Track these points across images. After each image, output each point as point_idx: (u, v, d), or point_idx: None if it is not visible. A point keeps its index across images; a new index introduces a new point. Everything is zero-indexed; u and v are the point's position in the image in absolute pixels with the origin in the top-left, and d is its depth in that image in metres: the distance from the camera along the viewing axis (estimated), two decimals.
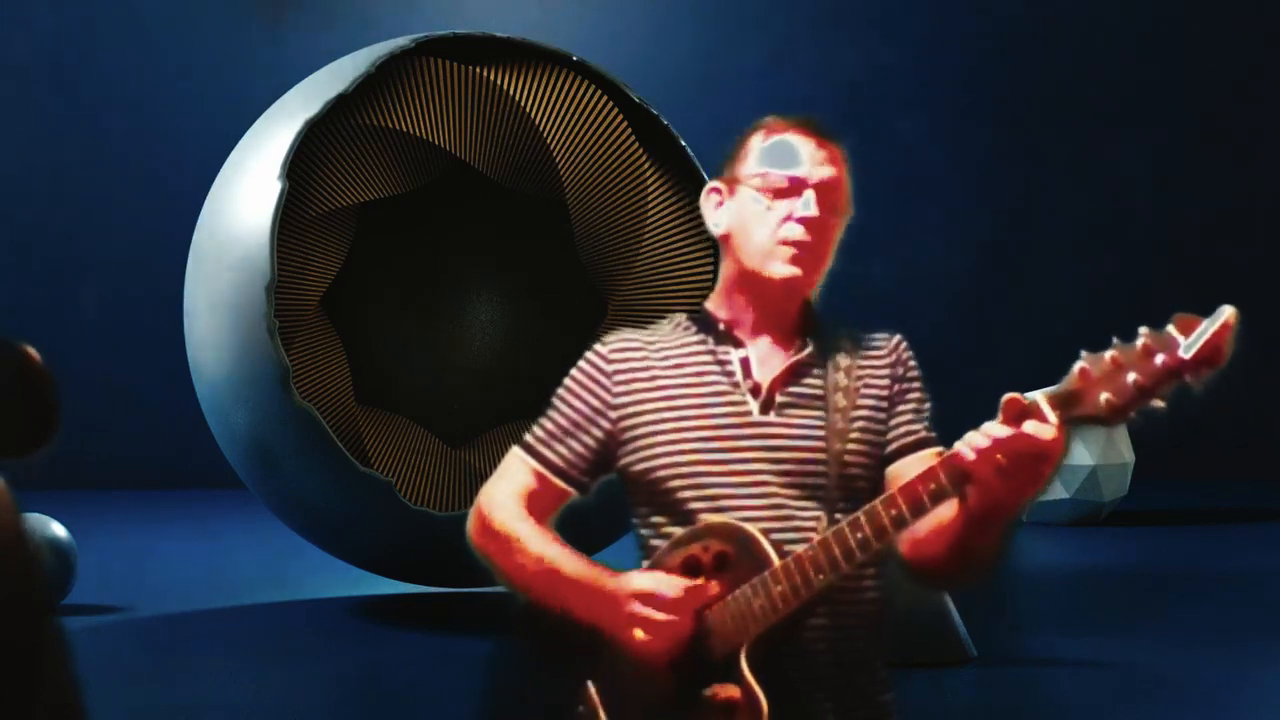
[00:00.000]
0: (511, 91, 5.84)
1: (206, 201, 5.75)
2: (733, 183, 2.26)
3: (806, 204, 2.18)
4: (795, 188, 2.20)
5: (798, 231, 2.18)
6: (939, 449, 2.16)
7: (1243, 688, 4.67)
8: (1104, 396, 1.90)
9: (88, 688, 1.75)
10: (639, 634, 2.11)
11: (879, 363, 2.25)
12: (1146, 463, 8.17)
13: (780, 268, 2.19)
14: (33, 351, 1.78)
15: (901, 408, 2.23)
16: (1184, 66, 10.69)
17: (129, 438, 10.14)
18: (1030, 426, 1.93)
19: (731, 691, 2.08)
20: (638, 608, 2.10)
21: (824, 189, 2.20)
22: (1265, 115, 10.74)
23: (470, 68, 5.80)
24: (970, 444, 1.97)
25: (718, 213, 2.28)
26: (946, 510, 2.05)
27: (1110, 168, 10.66)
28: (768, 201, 2.20)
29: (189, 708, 4.56)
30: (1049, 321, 10.10)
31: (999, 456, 1.94)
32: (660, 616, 2.09)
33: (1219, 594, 6.33)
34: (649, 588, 2.11)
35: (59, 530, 5.64)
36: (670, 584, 2.11)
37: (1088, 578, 6.77)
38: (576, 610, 2.17)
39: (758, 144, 2.25)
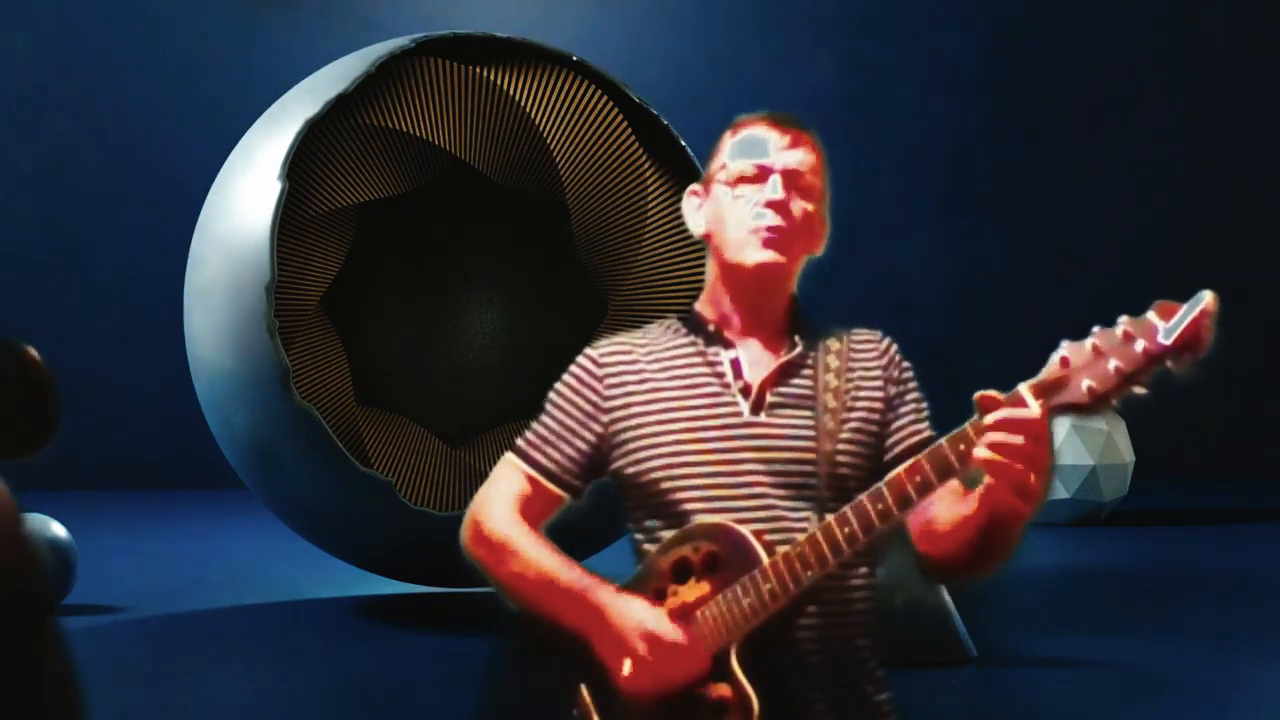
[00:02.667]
0: (511, 91, 5.84)
1: (206, 201, 5.75)
2: (708, 182, 2.29)
3: (774, 188, 2.20)
4: (762, 175, 2.22)
5: (767, 216, 2.19)
6: None
7: (1243, 688, 4.67)
8: (1086, 383, 1.90)
9: (88, 688, 1.74)
10: (627, 668, 2.11)
11: (870, 363, 2.25)
12: (1146, 463, 8.18)
13: (754, 253, 2.20)
14: (33, 351, 1.78)
15: (902, 409, 2.23)
16: (1184, 66, 10.69)
17: (129, 438, 10.14)
18: (1010, 410, 1.92)
19: (723, 691, 2.08)
20: (635, 644, 2.10)
21: (791, 174, 2.22)
22: (1265, 113, 10.73)
23: (470, 68, 5.80)
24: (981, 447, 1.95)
25: (697, 214, 2.30)
26: (964, 507, 2.04)
27: (1110, 166, 10.66)
28: (737, 192, 2.22)
29: (189, 708, 4.56)
30: (1050, 317, 10.10)
31: (999, 450, 1.93)
32: (653, 659, 2.09)
33: (1219, 594, 6.32)
34: (651, 628, 2.10)
35: (59, 530, 5.63)
36: (671, 629, 2.10)
37: (1088, 578, 6.76)
38: (568, 622, 2.16)
39: (728, 140, 2.28)
